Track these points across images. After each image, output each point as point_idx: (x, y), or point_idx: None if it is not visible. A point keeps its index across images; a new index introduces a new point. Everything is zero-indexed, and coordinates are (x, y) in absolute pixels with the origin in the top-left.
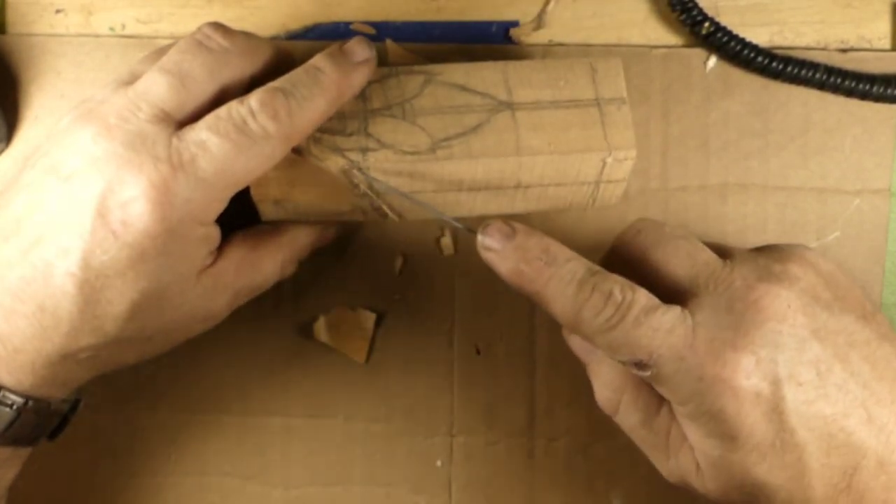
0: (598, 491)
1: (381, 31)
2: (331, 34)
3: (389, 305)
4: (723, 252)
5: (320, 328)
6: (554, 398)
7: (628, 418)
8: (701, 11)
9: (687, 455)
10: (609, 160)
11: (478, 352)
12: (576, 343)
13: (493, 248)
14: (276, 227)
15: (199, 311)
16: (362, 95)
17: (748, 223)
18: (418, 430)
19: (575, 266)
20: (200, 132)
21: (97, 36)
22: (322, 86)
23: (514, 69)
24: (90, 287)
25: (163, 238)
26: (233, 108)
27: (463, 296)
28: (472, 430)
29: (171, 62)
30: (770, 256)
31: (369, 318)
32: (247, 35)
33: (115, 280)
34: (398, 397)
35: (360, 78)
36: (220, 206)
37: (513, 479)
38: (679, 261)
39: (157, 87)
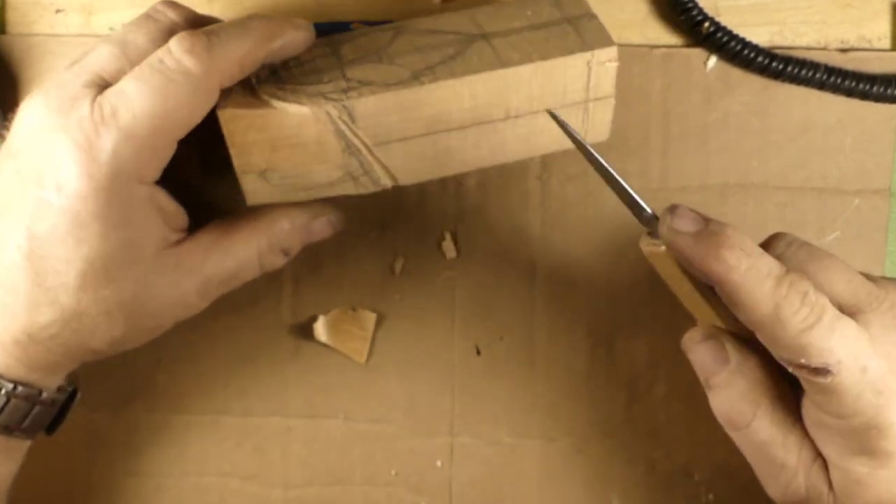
0: (598, 491)
1: None
2: (331, 34)
3: (390, 306)
4: (864, 275)
5: (320, 328)
6: (554, 398)
7: (758, 434)
8: (701, 11)
9: (818, 475)
10: (593, 63)
11: (478, 352)
12: (701, 353)
13: (687, 230)
14: (255, 211)
15: (165, 294)
16: (335, 53)
17: (748, 223)
18: (418, 431)
19: (770, 261)
20: (120, 83)
21: (97, 36)
22: (248, 27)
23: (480, 12)
24: (37, 257)
25: (96, 198)
26: (152, 54)
27: (463, 296)
28: (472, 431)
29: (116, 34)
30: None
31: (370, 318)
32: (198, 14)
33: (57, 248)
34: (398, 397)
35: (292, 30)
36: (155, 159)
37: (513, 479)
38: (838, 277)
39: (97, 55)
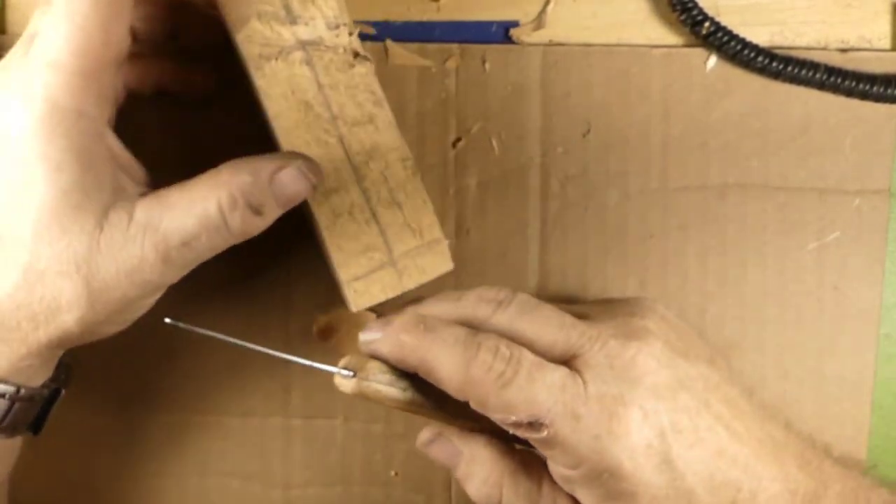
0: None
1: (381, 31)
2: None
3: (390, 305)
4: (576, 313)
5: (317, 330)
6: None
7: None
8: (701, 11)
9: None
10: None
11: None
12: (435, 453)
13: (373, 337)
14: (219, 167)
15: (121, 255)
16: None
17: (748, 223)
18: (418, 431)
19: (455, 328)
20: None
21: None
22: None
23: None
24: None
25: (36, 136)
26: None
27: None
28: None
29: None
30: (625, 312)
31: (370, 318)
32: None
33: (10, 198)
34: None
35: None
36: (90, 86)
37: None
38: (549, 327)
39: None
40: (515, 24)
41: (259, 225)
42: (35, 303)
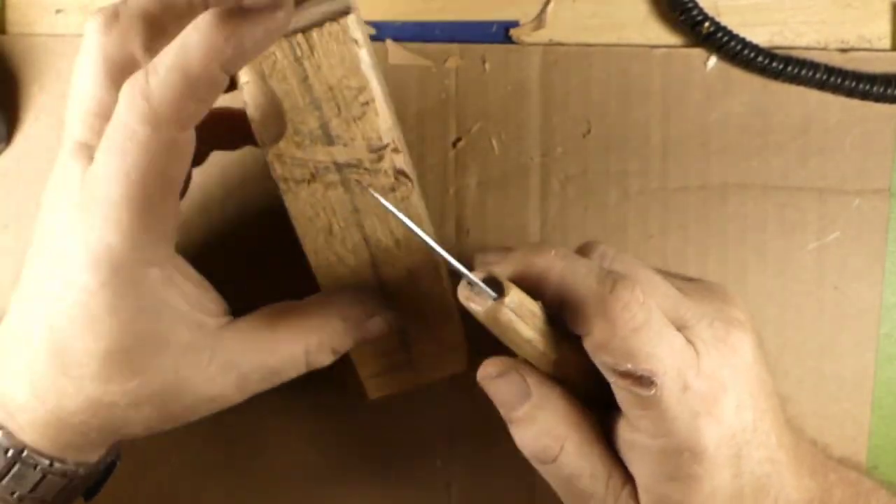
0: None
1: (381, 31)
2: None
3: None
4: (675, 283)
5: None
6: None
7: (567, 468)
8: (701, 11)
9: (627, 501)
10: None
11: (479, 352)
12: (500, 389)
13: (497, 259)
14: (304, 308)
15: (199, 388)
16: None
17: (748, 223)
18: (418, 431)
19: (587, 262)
20: (93, 164)
21: None
22: (187, 44)
23: None
24: (59, 349)
25: (104, 293)
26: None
27: None
28: (472, 431)
29: (74, 85)
30: (719, 297)
31: None
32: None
33: (76, 341)
34: (398, 397)
35: (255, 20)
36: (151, 233)
37: (513, 479)
38: (658, 292)
39: (69, 118)
40: (515, 24)
41: (331, 361)
42: (100, 422)
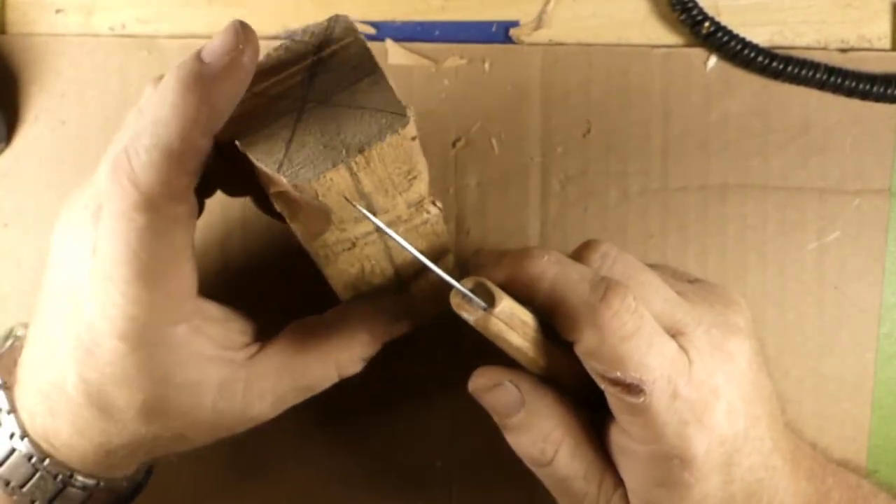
0: None
1: (381, 31)
2: None
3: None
4: (676, 285)
5: None
6: None
7: (561, 470)
8: (701, 11)
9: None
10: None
11: (479, 353)
12: (498, 395)
13: (487, 262)
14: (330, 324)
15: (236, 415)
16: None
17: (748, 223)
18: (418, 431)
19: (581, 268)
20: (98, 241)
21: (97, 36)
22: (165, 104)
23: None
24: (96, 398)
25: (134, 356)
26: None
27: None
28: (472, 431)
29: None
30: (721, 301)
31: None
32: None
33: (113, 393)
34: (398, 397)
35: (227, 71)
36: (171, 298)
37: (513, 479)
38: (656, 296)
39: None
40: (515, 24)
41: (361, 367)
42: (145, 453)
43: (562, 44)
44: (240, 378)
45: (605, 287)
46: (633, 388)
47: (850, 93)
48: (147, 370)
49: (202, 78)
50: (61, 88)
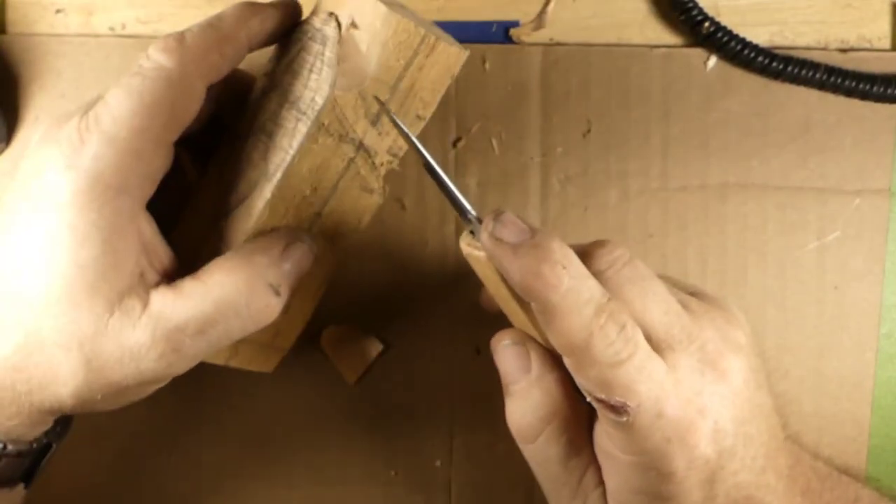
0: None
1: None
2: None
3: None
4: (679, 296)
5: (325, 338)
6: None
7: (545, 450)
8: (701, 11)
9: (598, 502)
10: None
11: (478, 351)
12: (506, 358)
13: (508, 240)
14: (228, 253)
15: (129, 342)
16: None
17: (748, 223)
18: (418, 430)
19: (594, 286)
20: (105, 94)
21: (97, 36)
22: (221, 14)
23: None
24: (10, 275)
25: (71, 206)
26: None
27: (463, 296)
28: (471, 431)
29: None
30: (722, 317)
31: (375, 346)
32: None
33: (29, 263)
34: (398, 397)
35: (269, 8)
36: (140, 165)
37: (512, 479)
38: (657, 307)
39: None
40: (515, 24)
41: (276, 307)
42: (31, 367)
43: (562, 44)
44: (142, 297)
45: (609, 313)
46: (617, 409)
47: (850, 93)
48: (73, 230)
49: (265, 4)
50: (61, 88)
